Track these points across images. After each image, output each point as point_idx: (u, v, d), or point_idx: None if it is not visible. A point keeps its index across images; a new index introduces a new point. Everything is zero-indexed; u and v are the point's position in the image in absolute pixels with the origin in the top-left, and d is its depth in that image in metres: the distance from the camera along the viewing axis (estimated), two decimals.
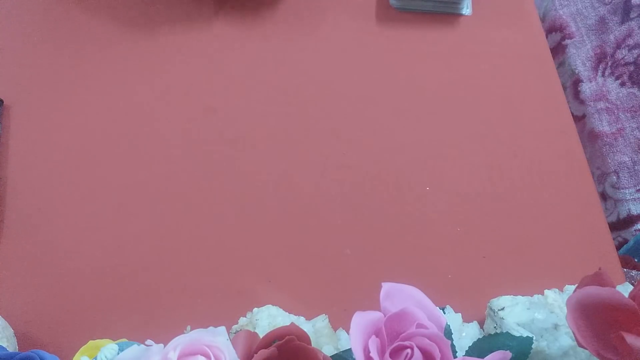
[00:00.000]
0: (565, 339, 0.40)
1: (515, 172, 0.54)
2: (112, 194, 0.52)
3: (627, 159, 0.59)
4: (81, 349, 0.37)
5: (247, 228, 0.51)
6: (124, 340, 0.38)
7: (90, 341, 0.38)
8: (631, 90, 0.59)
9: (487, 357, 0.33)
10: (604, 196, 0.62)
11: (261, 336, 0.34)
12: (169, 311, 0.47)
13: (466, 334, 0.44)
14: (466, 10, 0.63)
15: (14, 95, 0.57)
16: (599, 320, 0.32)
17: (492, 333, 0.42)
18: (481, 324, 0.46)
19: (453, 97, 0.58)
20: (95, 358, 0.34)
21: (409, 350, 0.31)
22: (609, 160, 0.61)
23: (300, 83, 0.59)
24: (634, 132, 0.58)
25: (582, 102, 0.65)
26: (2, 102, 0.56)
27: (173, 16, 0.63)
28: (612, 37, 0.61)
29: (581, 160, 0.55)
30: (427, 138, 0.56)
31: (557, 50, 0.70)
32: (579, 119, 0.66)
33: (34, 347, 0.39)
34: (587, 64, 0.65)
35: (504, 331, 0.41)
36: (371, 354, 0.30)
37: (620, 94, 0.60)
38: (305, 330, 0.34)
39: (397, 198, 0.53)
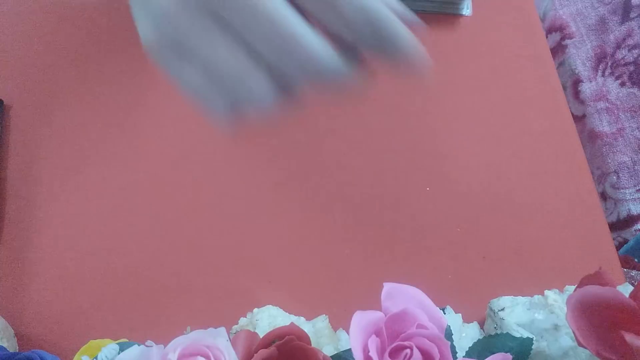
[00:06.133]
0: (566, 339, 0.40)
1: (515, 172, 0.54)
2: (112, 194, 0.52)
3: (627, 159, 0.59)
4: (82, 348, 0.37)
5: (247, 228, 0.51)
6: (124, 340, 0.38)
7: (91, 341, 0.38)
8: (631, 90, 0.59)
9: (487, 358, 0.33)
10: (604, 196, 0.62)
11: (261, 336, 0.34)
12: (169, 311, 0.47)
13: (466, 335, 0.44)
14: (466, 10, 0.63)
15: (14, 95, 0.57)
16: (599, 319, 0.32)
17: (492, 333, 0.42)
18: (481, 324, 0.46)
19: (453, 97, 0.58)
20: (96, 358, 0.34)
21: (408, 351, 0.31)
22: (609, 160, 0.61)
23: None
24: (634, 132, 0.58)
25: (582, 102, 0.65)
26: (2, 102, 0.56)
27: None
28: (612, 37, 0.61)
29: (581, 160, 0.55)
30: (427, 138, 0.56)
31: (557, 50, 0.70)
32: (579, 119, 0.66)
33: (35, 347, 0.39)
34: (587, 64, 0.65)
35: (504, 332, 0.41)
36: (370, 353, 0.30)
37: (620, 94, 0.60)
38: (305, 330, 0.34)
39: (396, 198, 0.53)
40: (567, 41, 0.68)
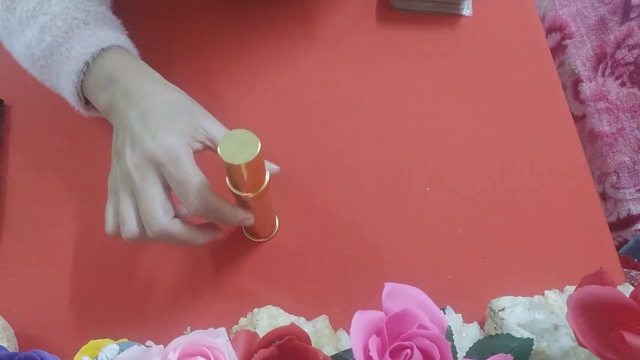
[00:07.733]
0: (566, 339, 0.40)
1: (515, 172, 0.54)
2: None
3: (627, 159, 0.59)
4: (82, 348, 0.37)
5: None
6: (125, 340, 0.38)
7: (91, 341, 0.38)
8: (631, 90, 0.59)
9: (487, 359, 0.33)
10: (604, 196, 0.62)
11: (261, 336, 0.34)
12: (169, 311, 0.47)
13: (467, 335, 0.44)
14: (466, 10, 0.63)
15: (14, 95, 0.57)
16: (599, 319, 0.32)
17: (493, 334, 0.42)
18: (482, 324, 0.46)
19: (453, 97, 0.58)
20: (96, 358, 0.34)
21: (408, 351, 0.31)
22: (609, 160, 0.61)
23: (299, 83, 0.59)
24: (634, 132, 0.58)
25: (582, 102, 0.65)
26: (2, 102, 0.56)
27: (170, 12, 0.63)
28: (612, 37, 0.61)
29: (581, 160, 0.55)
30: (427, 138, 0.56)
31: (557, 50, 0.70)
32: (579, 119, 0.66)
33: (35, 347, 0.39)
34: (587, 64, 0.65)
35: (505, 332, 0.41)
36: (371, 353, 0.30)
37: (620, 94, 0.60)
38: (305, 330, 0.34)
39: (397, 198, 0.53)
40: (567, 41, 0.68)
